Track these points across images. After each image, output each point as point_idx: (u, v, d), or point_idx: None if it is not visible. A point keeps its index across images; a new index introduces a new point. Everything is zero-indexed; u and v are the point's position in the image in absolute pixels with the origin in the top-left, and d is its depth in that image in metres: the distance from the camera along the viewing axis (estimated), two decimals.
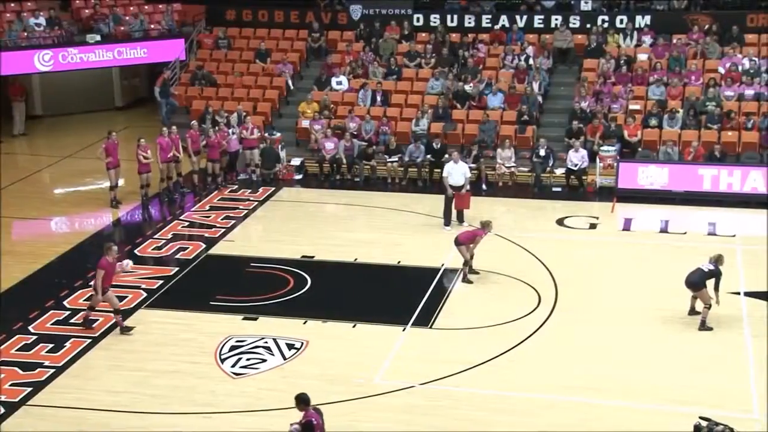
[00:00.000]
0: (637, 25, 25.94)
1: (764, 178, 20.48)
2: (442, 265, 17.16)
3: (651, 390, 12.75)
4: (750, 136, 22.05)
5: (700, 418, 9.98)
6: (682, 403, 12.22)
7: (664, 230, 19.28)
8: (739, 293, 15.70)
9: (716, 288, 14.45)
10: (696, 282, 14.51)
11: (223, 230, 19.38)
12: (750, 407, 12.28)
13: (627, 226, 19.68)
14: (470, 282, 16.51)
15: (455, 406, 12.50)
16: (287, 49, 27.55)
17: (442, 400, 12.69)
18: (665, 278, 16.06)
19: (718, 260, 14.59)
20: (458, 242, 16.59)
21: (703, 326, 14.47)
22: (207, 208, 20.85)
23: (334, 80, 25.65)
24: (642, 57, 25.08)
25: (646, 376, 13.15)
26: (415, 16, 27.45)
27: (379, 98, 24.92)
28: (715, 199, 20.45)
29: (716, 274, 14.45)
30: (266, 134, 23.81)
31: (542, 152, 22.17)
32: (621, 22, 26.07)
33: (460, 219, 19.29)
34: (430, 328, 14.94)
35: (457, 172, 19.43)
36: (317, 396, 12.54)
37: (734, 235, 18.57)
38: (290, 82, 26.33)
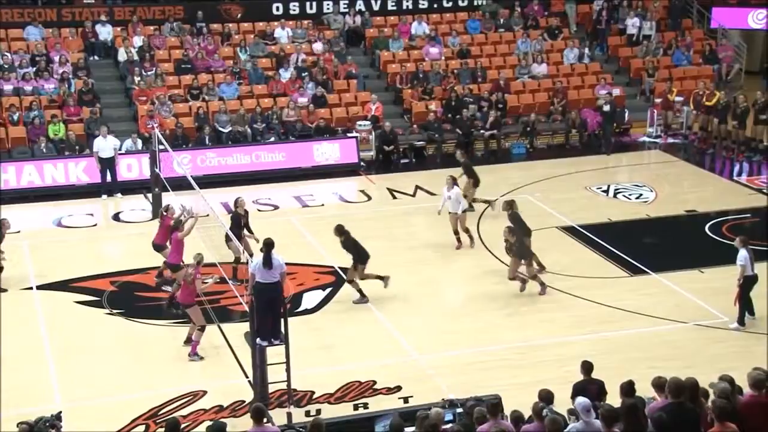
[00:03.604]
0: None
1: (38, 171, 21.34)
2: None
3: None
4: (18, 131, 22.60)
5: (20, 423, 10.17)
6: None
7: None
8: (31, 288, 16.38)
9: None
10: None
11: None
12: (53, 398, 12.77)
13: None
14: None
15: None
16: None
17: None
18: None
19: None
20: None
21: None
22: None
23: None
24: None
25: None
26: None
27: None
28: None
29: None
30: None
31: None
32: None
33: None
34: None
35: None
36: None
37: (19, 231, 18.83)
38: None
